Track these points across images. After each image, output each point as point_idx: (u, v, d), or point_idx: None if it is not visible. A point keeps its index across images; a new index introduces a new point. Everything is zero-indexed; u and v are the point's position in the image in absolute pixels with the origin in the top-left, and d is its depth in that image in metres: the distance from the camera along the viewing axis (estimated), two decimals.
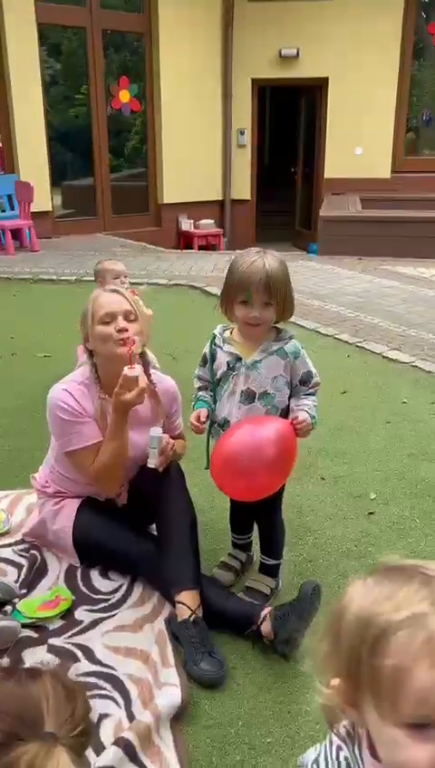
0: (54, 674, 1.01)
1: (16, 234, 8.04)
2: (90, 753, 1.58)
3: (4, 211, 8.24)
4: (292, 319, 6.02)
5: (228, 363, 1.96)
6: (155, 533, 2.20)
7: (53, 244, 8.37)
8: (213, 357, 2.01)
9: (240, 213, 10.61)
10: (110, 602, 2.12)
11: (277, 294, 1.86)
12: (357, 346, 4.66)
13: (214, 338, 2.02)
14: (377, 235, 7.75)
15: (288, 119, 11.55)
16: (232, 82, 10.01)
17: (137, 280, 6.41)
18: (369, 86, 9.66)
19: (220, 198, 10.54)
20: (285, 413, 1.98)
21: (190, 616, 1.92)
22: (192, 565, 2.02)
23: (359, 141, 9.93)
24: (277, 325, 2.00)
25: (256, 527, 2.27)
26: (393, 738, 0.66)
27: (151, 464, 2.10)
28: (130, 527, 2.19)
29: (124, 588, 2.18)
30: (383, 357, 4.45)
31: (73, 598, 2.12)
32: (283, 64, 9.92)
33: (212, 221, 10.22)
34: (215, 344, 2.01)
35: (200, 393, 2.07)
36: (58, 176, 9.24)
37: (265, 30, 9.72)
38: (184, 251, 8.98)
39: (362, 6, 9.30)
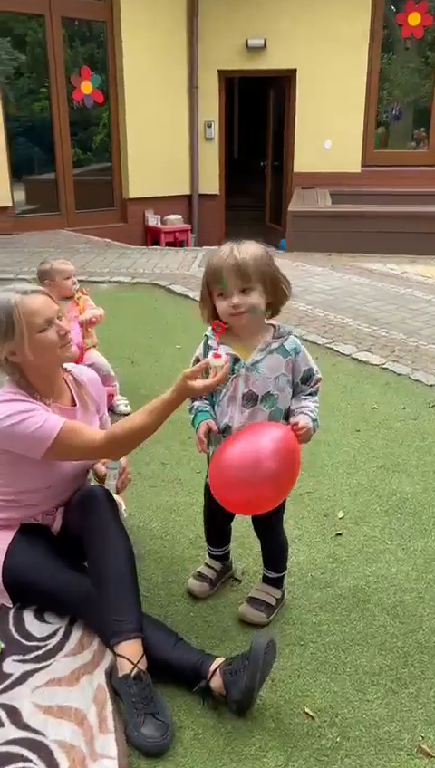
0: None
1: None
2: None
3: None
4: None
5: None
6: None
7: (12, 241, 8.01)
8: None
9: (209, 208, 10.35)
10: (43, 650, 1.86)
11: (251, 277, 1.68)
12: (326, 347, 4.45)
13: (207, 339, 1.83)
14: (347, 230, 7.56)
15: (257, 111, 11.32)
16: (198, 73, 9.73)
17: (98, 278, 6.14)
18: (338, 78, 9.46)
19: (188, 193, 10.27)
20: (288, 414, 1.83)
21: (132, 670, 1.68)
22: (133, 608, 1.78)
23: (328, 135, 9.74)
24: (273, 322, 1.82)
25: (233, 536, 2.19)
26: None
27: (110, 486, 1.98)
28: (67, 563, 1.94)
29: (61, 632, 1.93)
30: (353, 358, 4.26)
31: (3, 646, 1.87)
32: (250, 55, 9.68)
33: (180, 216, 9.94)
34: (209, 346, 1.81)
35: (197, 403, 1.85)
36: (23, 170, 8.92)
37: (232, 19, 9.46)
38: (150, 247, 8.70)
39: None
